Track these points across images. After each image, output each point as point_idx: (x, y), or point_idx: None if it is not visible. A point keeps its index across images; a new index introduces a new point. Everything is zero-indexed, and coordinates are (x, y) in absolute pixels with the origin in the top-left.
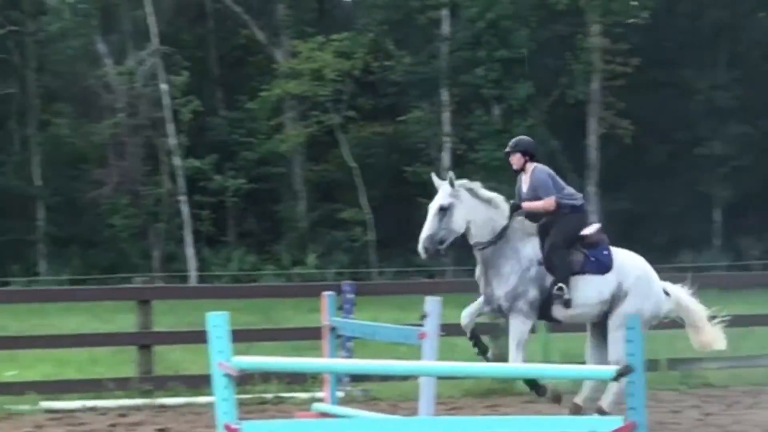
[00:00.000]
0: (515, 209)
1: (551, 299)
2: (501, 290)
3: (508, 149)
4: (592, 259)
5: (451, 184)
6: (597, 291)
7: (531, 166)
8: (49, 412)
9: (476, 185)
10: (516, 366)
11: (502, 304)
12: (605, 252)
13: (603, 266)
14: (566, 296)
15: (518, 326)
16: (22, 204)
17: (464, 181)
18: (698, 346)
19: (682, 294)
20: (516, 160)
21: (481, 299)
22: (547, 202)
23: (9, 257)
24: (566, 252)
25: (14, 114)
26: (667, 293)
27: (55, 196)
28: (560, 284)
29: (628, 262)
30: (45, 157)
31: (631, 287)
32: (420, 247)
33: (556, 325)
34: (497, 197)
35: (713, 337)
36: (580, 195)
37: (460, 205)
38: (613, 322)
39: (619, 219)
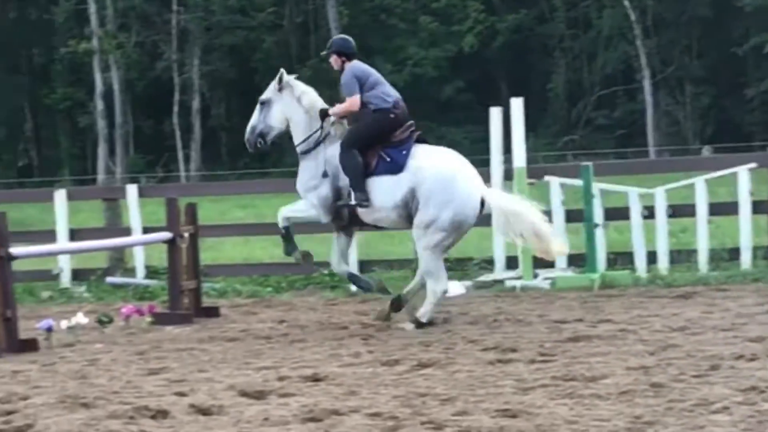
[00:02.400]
0: (324, 114)
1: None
2: (299, 184)
3: (324, 52)
4: (387, 159)
5: (279, 81)
6: (390, 193)
7: (348, 66)
8: None
9: (300, 86)
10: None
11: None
12: (403, 152)
13: (395, 167)
14: (352, 201)
15: (299, 205)
16: None
17: (290, 79)
18: (539, 254)
19: (505, 201)
20: (333, 61)
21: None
22: (349, 103)
23: None
24: (355, 153)
25: None
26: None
27: None
28: (350, 187)
29: (428, 164)
30: None
31: (425, 193)
32: (245, 138)
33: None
34: (315, 103)
35: (550, 242)
36: (394, 95)
37: (279, 101)
38: (414, 233)
39: None
